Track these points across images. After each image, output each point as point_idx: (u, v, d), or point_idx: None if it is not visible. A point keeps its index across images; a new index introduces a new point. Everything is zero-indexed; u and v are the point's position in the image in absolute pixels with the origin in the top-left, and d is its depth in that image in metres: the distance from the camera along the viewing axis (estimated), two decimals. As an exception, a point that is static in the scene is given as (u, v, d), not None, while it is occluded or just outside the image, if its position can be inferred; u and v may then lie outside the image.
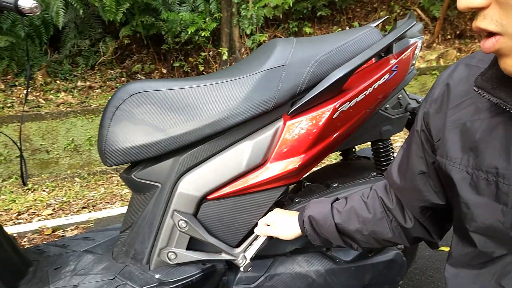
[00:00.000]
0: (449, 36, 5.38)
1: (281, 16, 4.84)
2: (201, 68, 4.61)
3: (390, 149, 1.21)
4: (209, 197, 0.99)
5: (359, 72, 1.03)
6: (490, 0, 0.44)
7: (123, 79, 4.49)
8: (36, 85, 4.04)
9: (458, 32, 5.40)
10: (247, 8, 4.56)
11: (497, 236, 0.56)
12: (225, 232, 1.02)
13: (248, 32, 4.68)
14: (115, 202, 2.81)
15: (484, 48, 0.47)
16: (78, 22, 4.41)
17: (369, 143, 1.23)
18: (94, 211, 2.67)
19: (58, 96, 3.99)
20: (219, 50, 4.59)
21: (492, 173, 0.54)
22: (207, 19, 4.44)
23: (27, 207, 2.76)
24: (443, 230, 0.79)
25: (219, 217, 1.01)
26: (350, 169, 1.32)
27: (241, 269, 1.00)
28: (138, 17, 4.19)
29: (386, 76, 1.02)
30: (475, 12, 0.46)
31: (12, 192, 3.05)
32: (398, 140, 3.79)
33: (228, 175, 0.98)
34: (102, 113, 0.99)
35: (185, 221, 0.97)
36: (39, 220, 2.55)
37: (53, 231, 2.34)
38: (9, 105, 3.71)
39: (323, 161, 1.99)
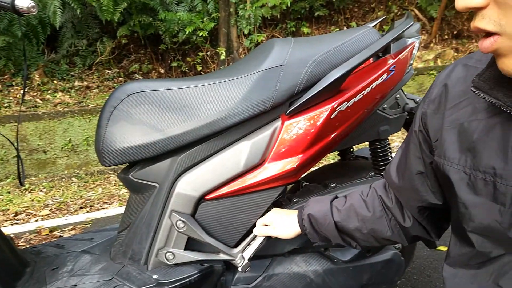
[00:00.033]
0: (446, 36, 5.40)
1: (279, 16, 4.84)
2: (199, 68, 4.61)
3: (388, 149, 1.21)
4: (207, 197, 0.99)
5: (357, 72, 1.03)
6: (489, 0, 0.44)
7: (120, 79, 4.48)
8: (33, 85, 4.03)
9: (455, 32, 5.42)
10: (245, 8, 4.56)
11: (495, 236, 0.56)
12: (223, 232, 1.02)
13: (246, 32, 4.68)
14: (112, 202, 2.80)
15: (482, 48, 0.47)
16: (76, 21, 4.40)
17: (367, 143, 1.23)
18: (92, 211, 2.66)
19: (55, 96, 3.98)
20: (217, 50, 4.59)
21: (490, 173, 0.54)
22: (204, 19, 4.44)
23: (24, 207, 2.75)
24: (441, 229, 0.79)
25: (217, 217, 1.01)
26: (348, 169, 1.32)
27: (239, 269, 1.00)
28: (136, 17, 4.18)
29: (384, 76, 1.02)
30: (472, 12, 0.46)
31: (9, 192, 3.03)
32: (395, 140, 3.79)
33: (226, 175, 0.97)
34: (99, 113, 0.99)
35: (183, 221, 0.97)
36: (36, 220, 2.55)
37: (51, 231, 2.33)
38: (6, 105, 3.70)
39: (321, 161, 1.99)
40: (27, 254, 1.14)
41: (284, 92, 0.95)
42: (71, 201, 2.86)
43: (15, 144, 1.14)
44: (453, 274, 0.64)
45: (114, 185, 3.15)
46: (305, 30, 4.97)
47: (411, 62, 1.16)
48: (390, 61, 1.04)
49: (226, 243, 1.02)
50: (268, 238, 1.00)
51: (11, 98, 3.82)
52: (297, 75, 0.95)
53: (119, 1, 3.84)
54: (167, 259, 1.00)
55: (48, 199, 2.91)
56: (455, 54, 5.13)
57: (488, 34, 0.46)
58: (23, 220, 2.57)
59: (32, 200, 2.89)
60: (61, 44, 4.38)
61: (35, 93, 3.96)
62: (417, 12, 5.37)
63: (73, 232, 2.32)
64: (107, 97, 0.99)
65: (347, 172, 1.25)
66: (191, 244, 1.02)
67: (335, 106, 0.96)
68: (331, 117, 0.97)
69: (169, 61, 4.70)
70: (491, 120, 0.55)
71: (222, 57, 4.51)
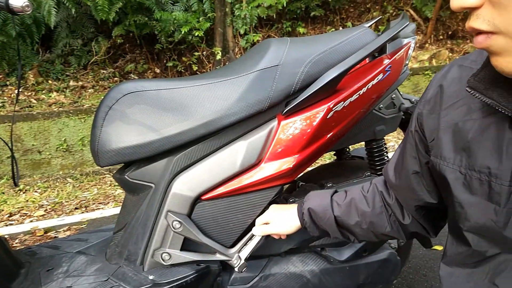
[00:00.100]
0: (441, 37, 5.42)
1: (274, 16, 4.84)
2: (195, 68, 4.60)
3: (384, 148, 1.21)
4: (203, 197, 0.99)
5: (353, 72, 1.04)
6: (483, 0, 0.44)
7: (116, 78, 4.46)
8: (27, 85, 4.00)
9: (450, 33, 5.45)
10: (241, 8, 4.56)
11: (490, 235, 0.56)
12: (219, 233, 1.02)
13: (242, 32, 4.67)
14: (108, 202, 2.79)
15: (476, 43, 0.47)
16: (70, 21, 4.38)
17: (363, 143, 1.24)
18: (87, 212, 2.65)
19: (50, 96, 3.96)
20: (213, 50, 4.58)
21: (485, 173, 0.54)
22: (200, 19, 4.43)
23: (18, 208, 2.73)
24: (438, 227, 0.80)
25: (213, 217, 1.00)
26: (344, 169, 1.32)
27: (236, 269, 1.00)
28: (131, 17, 4.17)
29: (380, 76, 1.02)
30: (467, 13, 0.47)
31: (3, 193, 3.01)
32: (391, 139, 3.81)
33: (222, 175, 0.97)
34: (94, 113, 0.98)
35: (179, 221, 0.97)
36: (31, 221, 2.53)
37: (45, 232, 2.32)
38: (0, 105, 3.67)
39: (317, 161, 2.00)
40: (22, 255, 1.13)
41: (280, 92, 0.95)
42: (66, 201, 2.84)
43: (9, 144, 1.13)
44: (449, 273, 0.64)
45: (110, 186, 3.13)
46: (301, 30, 4.97)
47: (407, 62, 1.16)
48: (386, 61, 1.04)
49: (222, 243, 1.02)
50: (266, 237, 1.00)
51: (5, 98, 3.79)
52: (293, 75, 0.95)
53: (114, 0, 3.82)
54: (163, 260, 1.00)
55: (43, 199, 2.89)
56: (450, 54, 5.15)
57: (482, 33, 0.46)
58: (18, 220, 2.55)
59: (27, 200, 2.87)
60: (56, 44, 4.35)
61: (29, 93, 3.93)
62: (412, 12, 5.39)
63: (68, 233, 2.30)
64: (102, 97, 0.99)
65: (343, 172, 1.25)
66: (187, 245, 1.01)
67: (331, 106, 0.96)
68: (328, 117, 0.97)
69: (164, 61, 4.69)
70: (485, 120, 0.55)
71: (218, 57, 4.51)
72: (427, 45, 5.27)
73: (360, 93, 1.00)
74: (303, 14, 5.15)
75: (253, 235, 1.00)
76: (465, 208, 0.58)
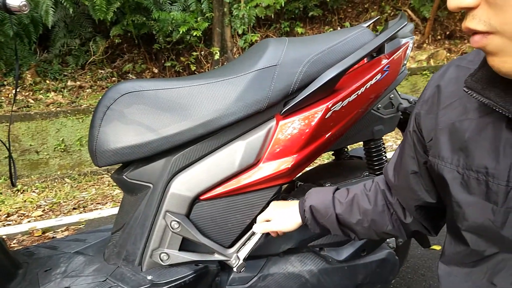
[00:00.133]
0: (439, 37, 5.44)
1: (272, 16, 4.84)
2: (193, 67, 4.59)
3: (382, 148, 1.22)
4: (201, 197, 0.99)
5: (351, 72, 1.04)
6: (480, 0, 0.44)
7: (114, 78, 4.45)
8: (25, 85, 3.99)
9: (448, 33, 5.46)
10: (239, 7, 4.56)
11: (488, 235, 0.56)
12: (218, 233, 1.02)
13: (240, 32, 4.67)
14: (106, 203, 2.79)
15: (472, 42, 0.48)
16: (68, 21, 4.37)
17: (361, 142, 1.24)
18: (85, 212, 2.64)
19: (48, 96, 3.95)
20: (211, 50, 4.58)
21: (482, 172, 0.54)
22: (198, 19, 4.42)
23: (16, 208, 2.72)
24: (438, 226, 0.80)
25: (212, 217, 1.00)
26: (342, 168, 1.33)
27: (234, 269, 1.00)
28: (129, 16, 4.16)
29: (378, 76, 1.02)
30: (465, 13, 0.47)
31: (1, 193, 3.00)
32: (389, 139, 3.82)
33: (220, 175, 0.97)
34: (92, 113, 0.98)
35: (177, 221, 0.97)
36: (29, 221, 2.52)
37: (43, 232, 2.31)
38: (-3, 105, 3.66)
39: (315, 161, 2.00)
40: (20, 255, 1.13)
41: (278, 92, 0.95)
42: (64, 201, 2.83)
43: (7, 145, 1.13)
44: (447, 273, 0.65)
45: (108, 186, 3.13)
46: (299, 30, 4.98)
47: (405, 62, 1.16)
48: (384, 61, 1.04)
49: (221, 243, 1.02)
50: (266, 236, 0.99)
51: (2, 98, 3.78)
52: (292, 75, 0.95)
53: (112, 0, 3.81)
54: (161, 260, 1.00)
55: (40, 200, 2.89)
56: (448, 54, 5.17)
57: (478, 33, 0.46)
58: (16, 221, 2.55)
59: (25, 201, 2.86)
60: (54, 44, 4.34)
61: (27, 93, 3.92)
62: (410, 12, 5.40)
63: (66, 233, 2.30)
64: (100, 97, 0.98)
65: (342, 172, 1.25)
66: (186, 245, 1.01)
67: (329, 106, 0.96)
68: (326, 117, 0.97)
69: (162, 61, 4.68)
70: (482, 120, 0.55)
71: (216, 57, 4.51)
72: (425, 45, 5.29)
73: (359, 93, 1.00)
74: (301, 14, 5.16)
75: (252, 235, 1.00)
76: (463, 207, 0.58)
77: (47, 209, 2.71)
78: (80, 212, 2.64)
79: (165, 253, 1.00)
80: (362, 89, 1.00)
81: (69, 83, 4.21)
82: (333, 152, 1.43)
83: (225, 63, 4.57)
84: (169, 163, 0.97)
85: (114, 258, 1.05)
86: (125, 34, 4.48)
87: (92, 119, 0.97)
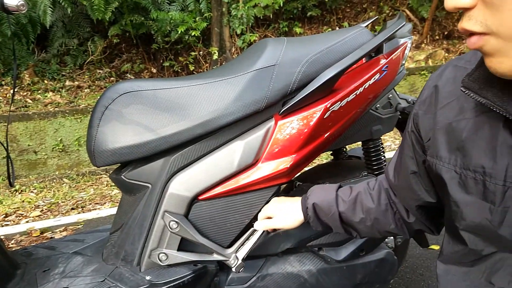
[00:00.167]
0: (437, 37, 5.45)
1: (271, 16, 4.84)
2: (191, 67, 4.59)
3: (381, 148, 1.22)
4: (200, 197, 0.98)
5: (350, 72, 1.04)
6: (476, 1, 0.44)
7: (112, 78, 4.45)
8: (23, 85, 3.98)
9: (446, 33, 5.47)
10: (237, 7, 4.56)
11: (486, 234, 0.56)
12: (216, 233, 1.01)
13: (239, 31, 4.67)
14: (104, 203, 2.78)
15: (469, 44, 0.48)
16: (66, 21, 4.36)
17: (360, 142, 1.24)
18: (83, 212, 2.64)
19: (46, 96, 3.94)
20: (210, 50, 4.58)
21: (479, 172, 0.55)
22: (197, 19, 4.42)
23: (14, 208, 2.72)
24: (440, 225, 0.80)
25: (210, 217, 1.00)
26: (341, 168, 1.33)
27: (233, 269, 1.00)
28: (127, 16, 4.16)
29: (377, 76, 1.03)
30: (463, 13, 0.47)
31: (-1, 193, 3.00)
32: (388, 139, 3.82)
33: (219, 175, 0.97)
34: (91, 113, 0.98)
35: (176, 221, 0.96)
36: (27, 221, 2.52)
37: (42, 232, 2.31)
38: (-5, 105, 3.65)
39: (314, 161, 2.00)
40: (18, 256, 1.13)
41: (277, 92, 0.94)
42: (62, 202, 2.83)
43: (5, 145, 1.12)
44: (446, 271, 0.65)
45: (106, 186, 3.12)
46: (298, 30, 4.98)
47: (403, 62, 1.16)
48: (383, 61, 1.04)
49: (219, 243, 1.02)
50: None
51: (0, 98, 3.77)
52: (290, 74, 0.95)
53: (110, 0, 3.81)
54: (160, 260, 1.00)
55: (39, 200, 2.88)
56: (446, 54, 5.17)
57: (475, 34, 0.47)
58: (14, 221, 2.54)
59: (23, 201, 2.85)
60: (52, 43, 4.33)
61: (25, 93, 3.91)
62: (408, 12, 5.41)
63: (64, 233, 2.29)
64: (98, 97, 0.98)
65: (340, 172, 1.25)
66: (185, 245, 1.01)
67: (328, 106, 0.96)
68: (324, 117, 0.97)
69: (161, 61, 4.67)
70: (479, 119, 0.56)
71: (215, 56, 4.50)
72: (423, 45, 5.29)
73: (357, 93, 1.00)
74: (299, 14, 5.16)
75: (251, 235, 1.00)
76: (461, 207, 0.58)
77: (45, 209, 2.71)
78: (79, 212, 2.63)
79: (164, 253, 0.99)
80: (361, 89, 1.00)
81: (67, 83, 4.20)
82: (331, 152, 1.43)
83: (223, 63, 4.57)
84: (168, 163, 0.97)
85: (112, 258, 1.05)
86: (123, 34, 4.47)
87: (90, 119, 0.97)
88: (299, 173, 1.14)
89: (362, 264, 1.13)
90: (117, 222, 1.08)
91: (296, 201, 0.93)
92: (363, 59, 1.05)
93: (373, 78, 1.02)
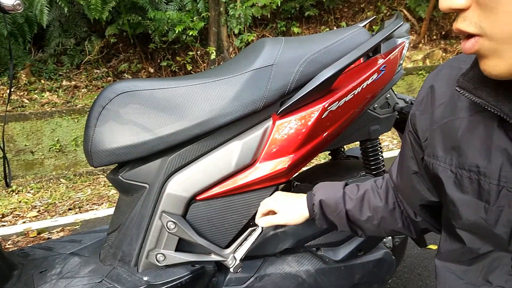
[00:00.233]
0: (434, 37, 5.46)
1: (269, 16, 4.84)
2: (189, 67, 4.58)
3: (379, 148, 1.22)
4: (198, 197, 0.98)
5: (348, 71, 1.04)
6: (471, 2, 0.45)
7: (109, 78, 4.44)
8: (19, 85, 3.96)
9: (443, 33, 5.49)
10: (235, 7, 4.55)
11: (482, 233, 0.57)
12: (214, 233, 1.01)
13: (236, 31, 4.67)
14: (102, 203, 2.77)
15: (464, 49, 0.48)
16: (63, 20, 4.35)
17: (358, 142, 1.24)
18: (81, 212, 2.63)
19: (43, 96, 3.93)
20: (207, 50, 4.57)
21: (474, 171, 0.55)
22: (194, 18, 4.42)
23: (11, 209, 2.70)
24: None
25: (208, 217, 1.00)
26: (339, 168, 1.33)
27: (231, 270, 1.00)
28: (125, 16, 4.15)
29: (374, 76, 1.03)
30: (457, 13, 0.47)
31: (-5, 194, 2.98)
32: (386, 139, 3.83)
33: (217, 175, 0.97)
34: (88, 113, 0.97)
35: (173, 222, 0.96)
36: (24, 222, 2.51)
37: (39, 233, 2.30)
38: (-9, 105, 3.64)
39: (312, 161, 2.00)
40: (15, 256, 1.12)
41: (275, 92, 0.94)
42: (59, 202, 2.82)
43: (1, 145, 1.12)
44: (444, 269, 0.65)
45: (103, 186, 3.11)
46: (296, 30, 4.98)
47: (401, 62, 1.17)
48: (381, 61, 1.04)
49: (217, 243, 1.02)
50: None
51: (-3, 98, 3.76)
52: (288, 74, 0.95)
53: (107, -1, 3.80)
54: (157, 261, 0.99)
55: (36, 200, 2.87)
56: (444, 54, 5.19)
57: (470, 35, 0.47)
58: (10, 222, 2.53)
59: (20, 201, 2.84)
60: (49, 43, 4.32)
61: (21, 93, 3.89)
62: (405, 12, 5.42)
63: (61, 234, 2.29)
64: (95, 97, 0.98)
65: (338, 172, 1.25)
66: (182, 245, 1.01)
67: (326, 106, 0.96)
68: (322, 117, 0.97)
69: (158, 61, 4.67)
70: (473, 119, 0.56)
71: (212, 56, 4.50)
72: (420, 45, 5.31)
73: (355, 93, 1.00)
74: (297, 14, 5.16)
75: (249, 235, 1.00)
76: (457, 206, 0.59)
77: (42, 209, 2.70)
78: (76, 213, 2.62)
79: (162, 253, 0.99)
80: (359, 89, 1.00)
81: (64, 82, 4.18)
82: (329, 152, 1.43)
83: (221, 63, 4.56)
84: (165, 163, 0.97)
85: (110, 259, 1.05)
86: (120, 34, 4.46)
87: (87, 119, 0.96)
88: (297, 173, 1.14)
89: (360, 264, 1.13)
90: (114, 223, 1.07)
91: (301, 197, 0.91)
92: (361, 59, 1.05)
93: (371, 78, 1.02)
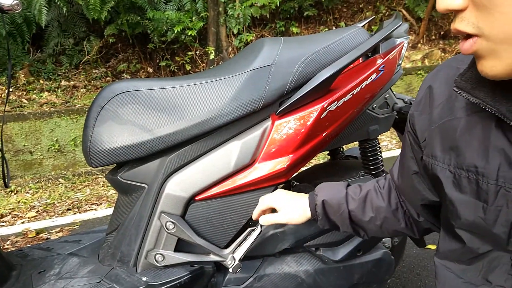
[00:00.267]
0: (433, 37, 5.47)
1: (268, 16, 4.84)
2: (188, 67, 4.58)
3: (378, 148, 1.22)
4: (197, 198, 0.98)
5: (347, 71, 1.04)
6: (468, 3, 0.45)
7: (108, 78, 4.43)
8: (18, 85, 3.96)
9: (442, 33, 5.49)
10: (234, 7, 4.55)
11: (480, 233, 0.57)
12: (213, 233, 1.01)
13: (235, 31, 4.67)
14: (100, 203, 2.77)
15: (462, 50, 0.48)
16: (62, 20, 4.34)
17: (357, 142, 1.24)
18: (80, 212, 2.62)
19: (42, 96, 3.92)
20: (206, 50, 4.57)
21: (472, 171, 0.55)
22: (193, 18, 4.41)
23: (10, 209, 2.70)
24: None
25: (207, 218, 1.00)
26: (338, 168, 1.33)
27: (230, 270, 1.00)
28: (123, 16, 4.14)
29: (373, 76, 1.03)
30: (455, 14, 0.47)
31: (-6, 194, 2.98)
32: (384, 139, 3.83)
33: (216, 175, 0.97)
34: (86, 113, 0.97)
35: (172, 222, 0.96)
36: (23, 222, 2.50)
37: (37, 233, 2.29)
38: (-10, 105, 3.63)
39: (311, 161, 2.00)
40: (13, 257, 1.12)
41: (274, 92, 0.94)
42: (58, 202, 2.82)
43: (0, 145, 1.11)
44: (443, 268, 0.65)
45: (102, 186, 3.11)
46: (294, 30, 4.98)
47: (400, 62, 1.17)
48: (380, 61, 1.04)
49: (216, 244, 1.02)
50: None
51: (-5, 98, 3.75)
52: (287, 74, 0.95)
53: (106, -1, 3.80)
54: (156, 261, 0.99)
55: (34, 200, 2.86)
56: (442, 54, 5.19)
57: (468, 36, 0.47)
58: (9, 222, 2.53)
59: (18, 201, 2.84)
60: (47, 43, 4.31)
61: (20, 93, 3.89)
62: (404, 12, 5.42)
63: (60, 234, 2.28)
64: (94, 97, 0.98)
65: (337, 172, 1.25)
66: (181, 246, 1.01)
67: (325, 106, 0.96)
68: (321, 117, 0.97)
69: (157, 61, 4.66)
70: (471, 119, 0.56)
71: (211, 56, 4.50)
72: (419, 45, 5.31)
73: (354, 93, 1.00)
74: (296, 14, 5.16)
75: (248, 235, 1.00)
76: (456, 206, 0.59)
77: (41, 210, 2.69)
78: (75, 213, 2.62)
79: (160, 254, 0.99)
80: (358, 89, 1.00)
81: (63, 82, 4.18)
82: (328, 152, 1.43)
83: (220, 63, 4.56)
84: (164, 164, 0.97)
85: (108, 259, 1.05)
86: (119, 34, 4.46)
87: (86, 119, 0.96)
88: (296, 173, 1.14)
89: (359, 264, 1.13)
90: (113, 223, 1.07)
91: (303, 197, 0.89)
92: (360, 59, 1.05)
93: (370, 78, 1.02)
